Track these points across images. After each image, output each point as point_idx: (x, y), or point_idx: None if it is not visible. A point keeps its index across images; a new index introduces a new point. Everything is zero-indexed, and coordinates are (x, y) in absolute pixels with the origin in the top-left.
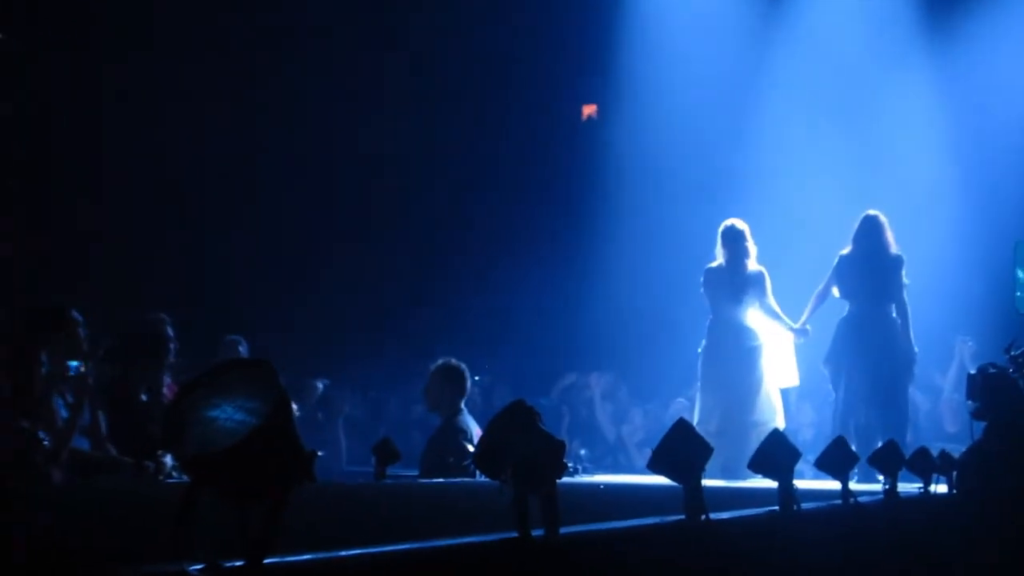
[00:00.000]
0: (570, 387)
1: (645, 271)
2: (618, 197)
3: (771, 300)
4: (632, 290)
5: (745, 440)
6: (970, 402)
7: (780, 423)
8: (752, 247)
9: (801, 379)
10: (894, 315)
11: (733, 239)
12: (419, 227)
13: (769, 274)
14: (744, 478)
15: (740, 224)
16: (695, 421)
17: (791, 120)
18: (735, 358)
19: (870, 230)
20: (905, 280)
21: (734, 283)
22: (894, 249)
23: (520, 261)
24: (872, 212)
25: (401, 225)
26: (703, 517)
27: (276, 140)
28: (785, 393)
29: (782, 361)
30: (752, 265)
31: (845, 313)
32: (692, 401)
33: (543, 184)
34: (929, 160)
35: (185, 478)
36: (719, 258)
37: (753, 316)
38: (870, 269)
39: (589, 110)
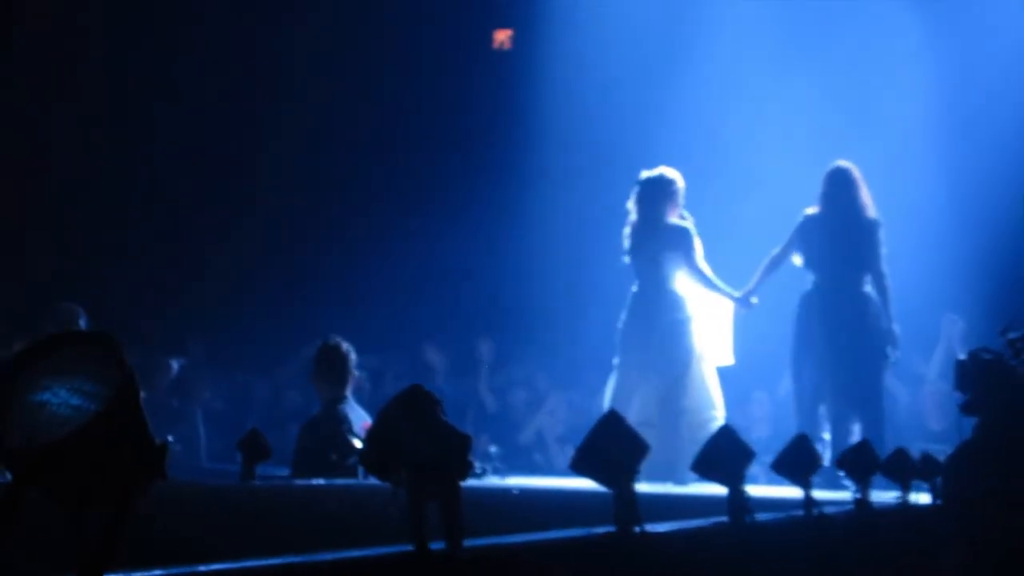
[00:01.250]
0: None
1: (568, 235)
2: (535, 146)
3: (701, 262)
4: (554, 257)
5: (675, 432)
6: (958, 393)
7: (719, 412)
8: (673, 197)
9: (758, 364)
10: (869, 288)
11: (650, 189)
12: (302, 179)
13: (718, 242)
14: (681, 481)
15: (664, 171)
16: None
17: (746, 54)
18: (658, 332)
19: (841, 186)
20: (883, 247)
21: (652, 242)
22: (870, 210)
23: (421, 221)
24: (843, 164)
25: (281, 176)
26: (637, 529)
27: (140, 81)
28: (736, 380)
29: (716, 335)
30: (672, 218)
31: (808, 286)
32: None
33: (447, 129)
34: (911, 102)
35: (7, 476)
36: (633, 213)
37: (681, 282)
38: (841, 233)
39: (502, 36)
